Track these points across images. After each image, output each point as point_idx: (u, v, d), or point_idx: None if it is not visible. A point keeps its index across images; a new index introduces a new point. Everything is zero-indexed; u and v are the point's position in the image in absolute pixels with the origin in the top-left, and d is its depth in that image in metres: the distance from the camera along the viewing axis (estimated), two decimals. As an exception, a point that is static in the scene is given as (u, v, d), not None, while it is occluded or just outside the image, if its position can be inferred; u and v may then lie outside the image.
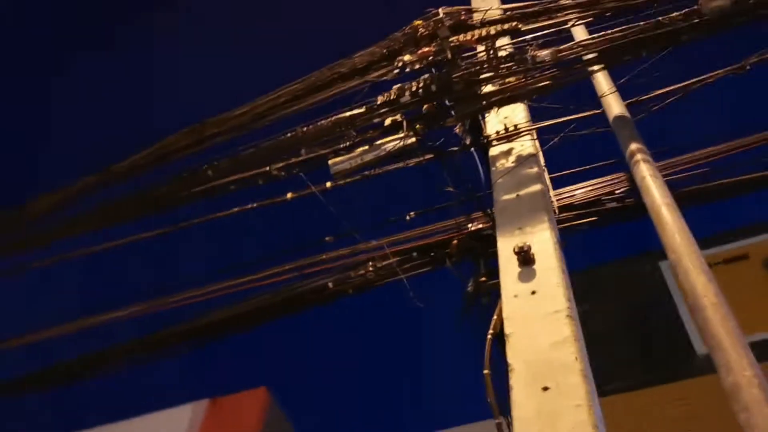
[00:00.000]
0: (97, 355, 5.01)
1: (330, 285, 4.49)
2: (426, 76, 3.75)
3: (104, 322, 4.84)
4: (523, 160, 3.83)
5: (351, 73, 3.95)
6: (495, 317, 3.00)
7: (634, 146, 3.40)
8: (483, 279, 3.52)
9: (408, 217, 4.55)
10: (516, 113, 4.24)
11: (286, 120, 3.92)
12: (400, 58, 3.88)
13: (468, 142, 4.02)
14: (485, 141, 4.03)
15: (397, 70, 3.86)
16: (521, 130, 4.03)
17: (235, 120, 3.99)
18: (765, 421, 2.10)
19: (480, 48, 3.86)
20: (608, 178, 4.30)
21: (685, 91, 3.59)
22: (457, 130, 4.01)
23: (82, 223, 3.99)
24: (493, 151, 4.04)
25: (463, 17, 3.90)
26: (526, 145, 3.93)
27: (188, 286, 4.37)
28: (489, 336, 2.93)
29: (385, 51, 3.95)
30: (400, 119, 3.90)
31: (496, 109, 3.95)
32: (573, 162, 4.46)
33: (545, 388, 2.60)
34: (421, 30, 3.90)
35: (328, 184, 4.11)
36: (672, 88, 3.68)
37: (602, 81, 3.99)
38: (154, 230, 3.97)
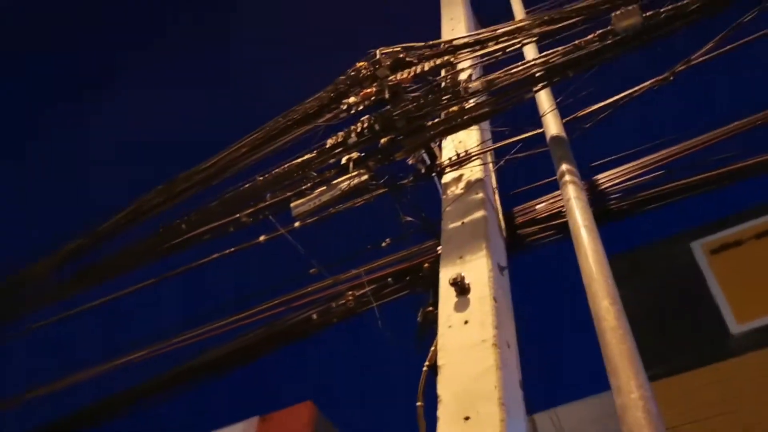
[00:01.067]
0: (120, 396, 5.33)
1: (314, 317, 4.67)
2: (366, 117, 3.88)
3: (121, 365, 5.15)
4: (471, 186, 3.92)
5: (304, 119, 4.12)
6: (432, 348, 3.12)
7: (564, 167, 3.46)
8: (430, 309, 3.62)
9: (384, 244, 4.68)
10: (470, 137, 4.33)
11: (250, 168, 4.12)
12: (346, 100, 4.03)
13: (423, 171, 4.13)
14: (438, 169, 4.13)
15: (344, 114, 4.01)
16: (471, 155, 4.12)
17: (203, 173, 4.23)
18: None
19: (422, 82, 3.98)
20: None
21: (614, 106, 3.62)
22: (411, 161, 4.13)
23: (77, 282, 4.30)
24: (446, 179, 4.15)
25: (402, 55, 4.03)
26: (474, 170, 4.02)
27: (181, 330, 4.62)
28: (425, 368, 3.05)
29: (332, 95, 4.10)
30: (355, 157, 4.06)
31: (446, 137, 4.05)
32: (535, 177, 4.51)
33: (467, 418, 2.71)
34: (363, 71, 4.05)
35: (297, 224, 4.29)
36: (603, 103, 3.72)
37: (544, 100, 4.05)
38: (137, 284, 4.24)
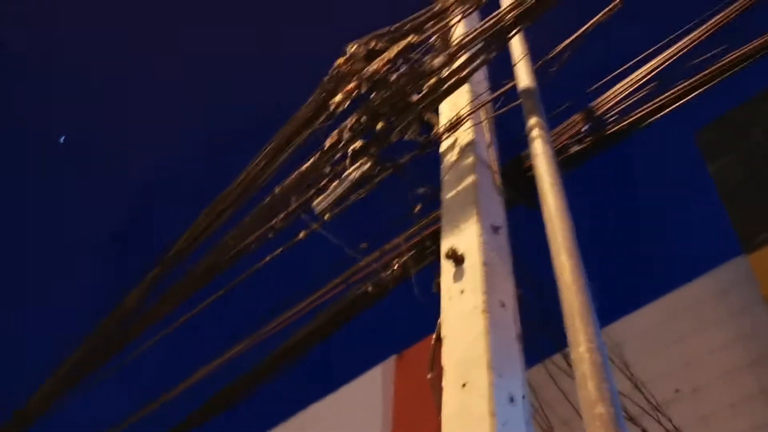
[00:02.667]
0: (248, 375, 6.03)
1: (369, 289, 5.07)
2: (355, 113, 4.12)
3: (232, 357, 5.86)
4: (463, 151, 4.07)
5: (304, 125, 4.43)
6: (439, 321, 3.41)
7: (532, 120, 3.54)
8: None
9: (416, 210, 4.93)
10: (463, 99, 4.43)
11: (272, 180, 4.53)
12: (333, 100, 4.28)
13: (422, 144, 4.32)
14: (435, 138, 4.30)
15: (335, 113, 4.28)
16: (461, 117, 4.24)
17: (236, 191, 4.69)
18: (588, 394, 2.36)
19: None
20: (567, 123, 4.38)
21: (580, 39, 3.61)
22: (408, 138, 4.32)
23: (163, 305, 4.98)
24: (443, 147, 4.31)
25: (372, 44, 4.19)
26: (466, 133, 4.15)
27: (269, 318, 5.20)
28: (433, 341, 3.35)
29: (323, 95, 4.37)
30: (358, 147, 4.33)
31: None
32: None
33: (464, 385, 3.00)
34: (342, 68, 4.26)
35: (327, 217, 4.65)
36: (571, 39, 3.71)
37: (516, 49, 4.07)
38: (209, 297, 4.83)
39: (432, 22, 3.95)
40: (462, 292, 3.34)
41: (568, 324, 2.59)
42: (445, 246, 3.60)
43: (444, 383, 3.08)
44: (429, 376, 3.29)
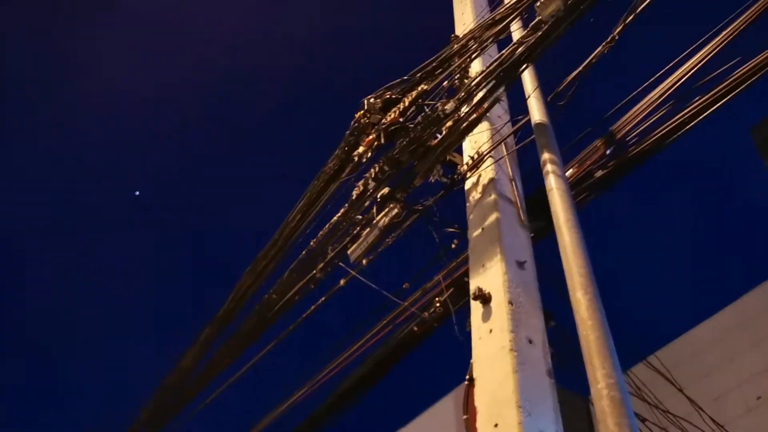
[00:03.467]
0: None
1: (415, 329, 5.15)
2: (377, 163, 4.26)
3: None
4: (485, 188, 4.13)
5: (332, 178, 4.59)
6: (471, 362, 3.45)
7: (545, 155, 3.57)
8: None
9: (453, 245, 5.01)
10: (483, 136, 4.50)
11: (307, 234, 4.70)
12: (357, 151, 4.43)
13: (447, 184, 4.40)
14: (457, 178, 4.38)
15: (359, 164, 4.43)
16: (483, 155, 4.30)
17: (274, 247, 4.88)
18: (607, 431, 2.37)
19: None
20: (590, 148, 4.38)
21: (584, 70, 3.64)
22: (433, 180, 4.41)
23: (219, 361, 5.20)
24: (467, 185, 4.38)
25: (388, 95, 4.34)
26: (487, 170, 4.22)
27: (321, 366, 5.34)
28: (466, 381, 3.39)
29: (345, 148, 4.53)
30: (386, 193, 4.45)
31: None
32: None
33: (496, 425, 3.03)
34: (363, 120, 4.42)
35: (365, 261, 4.77)
36: (579, 69, 3.75)
37: (528, 83, 4.13)
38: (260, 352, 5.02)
39: (440, 70, 4.02)
40: (490, 331, 3.37)
41: (587, 360, 2.60)
42: (472, 286, 3.64)
43: (478, 424, 3.11)
44: (464, 417, 3.32)
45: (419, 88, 4.10)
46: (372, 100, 4.35)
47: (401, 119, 4.23)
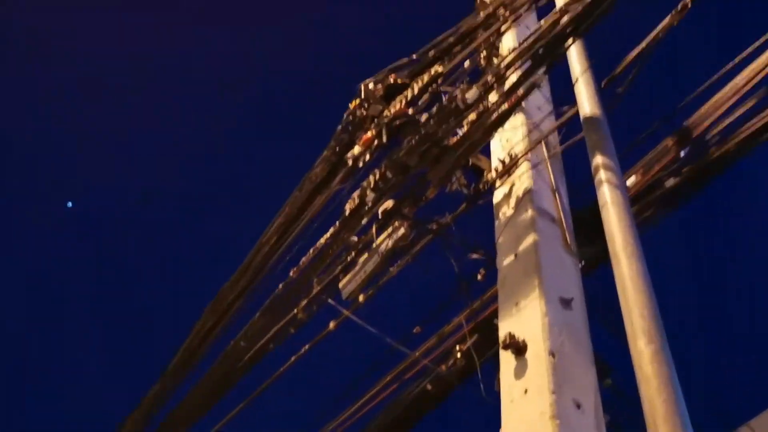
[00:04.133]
0: None
1: (429, 387, 5.15)
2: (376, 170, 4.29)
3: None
4: (520, 202, 4.15)
5: (318, 186, 4.62)
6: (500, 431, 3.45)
7: (598, 158, 3.56)
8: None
9: (480, 277, 5.01)
10: (516, 133, 4.54)
11: (288, 262, 4.74)
12: (351, 153, 4.46)
13: (469, 195, 4.43)
14: (483, 189, 4.41)
15: (354, 169, 4.46)
16: (517, 157, 4.34)
17: (243, 278, 4.91)
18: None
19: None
20: (658, 149, 4.41)
21: (647, 51, 3.68)
22: (450, 190, 4.44)
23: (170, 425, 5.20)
24: (497, 196, 4.41)
25: (391, 79, 4.37)
26: (522, 178, 4.24)
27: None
28: (493, 451, 3.39)
29: (336, 148, 4.56)
30: (390, 207, 4.48)
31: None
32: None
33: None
34: (359, 112, 4.45)
35: (361, 298, 4.78)
36: (638, 49, 3.78)
37: (575, 62, 4.16)
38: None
39: (460, 46, 4.06)
40: (525, 392, 3.36)
41: (650, 428, 2.60)
42: (502, 331, 3.64)
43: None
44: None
45: (433, 70, 4.15)
46: (371, 85, 4.39)
47: (409, 110, 4.24)
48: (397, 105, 4.23)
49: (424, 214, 4.44)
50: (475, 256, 4.47)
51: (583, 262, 4.01)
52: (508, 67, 3.97)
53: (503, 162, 4.38)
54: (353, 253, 4.59)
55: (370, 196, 4.34)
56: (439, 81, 4.24)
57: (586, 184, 4.29)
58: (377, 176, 4.30)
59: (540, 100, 4.68)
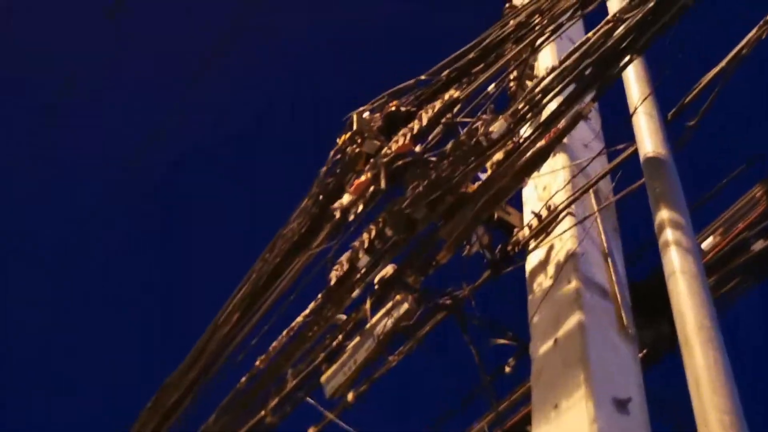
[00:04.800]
0: None
1: None
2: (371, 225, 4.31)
3: None
4: (560, 270, 4.16)
5: (295, 247, 4.64)
6: None
7: (665, 213, 3.57)
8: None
9: (509, 368, 5.00)
10: (556, 180, 4.56)
11: (256, 347, 4.73)
12: (339, 202, 4.48)
13: (491, 259, 4.44)
14: (513, 252, 4.42)
15: (342, 225, 4.48)
16: (557, 209, 4.34)
17: (193, 368, 4.90)
18: None
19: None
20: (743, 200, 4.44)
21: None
22: (469, 253, 4.45)
23: None
24: (530, 262, 4.42)
25: (394, 107, 4.42)
26: (565, 238, 4.25)
27: None
28: None
29: (319, 196, 4.58)
30: (388, 276, 4.49)
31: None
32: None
33: None
34: (350, 149, 4.49)
35: (350, 397, 4.75)
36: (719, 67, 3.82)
37: (632, 86, 4.21)
38: None
39: (483, 65, 4.12)
40: None
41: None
42: (540, 440, 3.64)
43: None
44: None
45: (447, 96, 4.17)
46: (366, 114, 4.42)
47: (416, 148, 4.31)
48: (399, 140, 4.25)
49: (434, 285, 4.48)
50: (501, 341, 4.46)
51: (644, 351, 3.99)
52: (545, 92, 3.98)
53: (539, 216, 4.39)
54: (340, 336, 4.60)
55: (364, 260, 4.35)
56: (455, 109, 4.23)
57: (647, 246, 4.38)
58: (373, 234, 4.32)
59: (587, 135, 4.72)
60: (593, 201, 4.42)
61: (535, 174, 4.48)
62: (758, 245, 4.18)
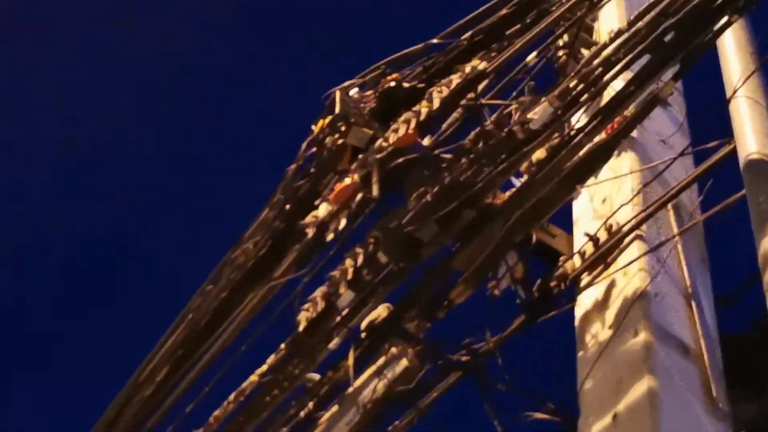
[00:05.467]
0: None
1: None
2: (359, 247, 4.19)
3: None
4: (621, 315, 4.05)
5: (250, 277, 4.52)
6: None
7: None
8: None
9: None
10: (620, 187, 4.47)
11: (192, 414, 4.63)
12: (313, 214, 4.36)
13: (527, 300, 4.34)
14: (558, 289, 4.31)
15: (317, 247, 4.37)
16: (621, 231, 4.24)
17: None
18: None
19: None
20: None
21: None
22: (496, 292, 4.35)
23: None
24: (581, 304, 4.33)
25: (393, 82, 4.32)
26: (631, 271, 4.14)
27: None
28: None
29: (286, 206, 4.48)
30: (380, 319, 4.39)
31: (589, 190, 4.24)
32: None
33: None
34: (329, 141, 4.37)
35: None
36: None
37: (729, 60, 4.13)
38: None
39: (519, 26, 4.03)
40: None
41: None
42: None
43: None
44: None
45: (468, 67, 4.05)
46: (355, 91, 4.33)
47: (423, 140, 4.24)
48: (400, 129, 4.12)
49: (445, 335, 4.44)
50: (538, 415, 4.36)
51: (740, 433, 3.90)
52: (607, 65, 3.85)
53: (595, 240, 4.29)
54: (310, 404, 4.53)
55: (346, 296, 4.25)
56: (480, 87, 4.11)
57: (747, 284, 4.28)
58: (360, 260, 4.22)
59: (666, 127, 4.62)
60: (672, 220, 4.34)
61: (592, 180, 4.38)
62: None
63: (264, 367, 4.56)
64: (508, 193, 4.18)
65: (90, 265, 13.81)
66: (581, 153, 4.03)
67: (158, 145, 13.53)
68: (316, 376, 4.55)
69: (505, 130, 3.99)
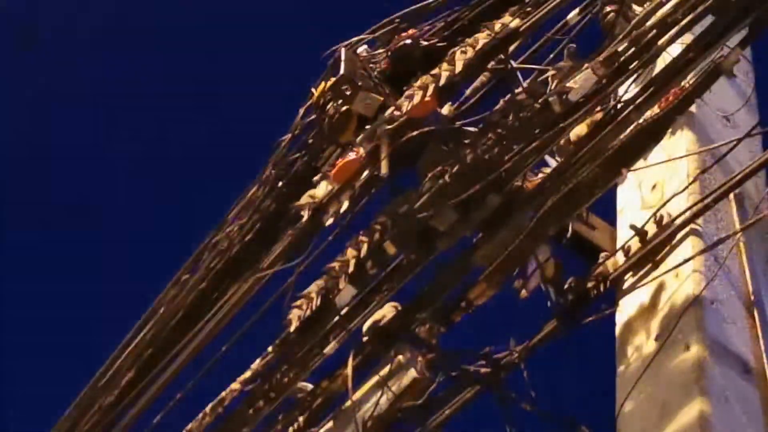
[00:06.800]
0: None
1: None
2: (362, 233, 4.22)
3: None
4: (677, 324, 4.07)
5: (233, 268, 4.55)
6: None
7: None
8: None
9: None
10: (674, 173, 4.48)
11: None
12: (309, 194, 4.39)
13: (559, 305, 4.37)
14: (600, 288, 4.33)
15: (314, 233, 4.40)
16: (673, 223, 4.26)
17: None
18: None
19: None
20: None
21: None
22: (526, 293, 4.38)
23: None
24: (623, 310, 4.35)
25: (408, 39, 4.35)
26: (684, 272, 4.16)
27: None
28: None
29: (277, 184, 4.51)
30: (389, 319, 4.42)
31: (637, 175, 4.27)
32: None
33: None
34: (330, 108, 4.39)
35: None
36: None
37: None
38: None
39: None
40: None
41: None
42: None
43: None
44: None
45: (497, 24, 4.08)
46: (363, 49, 4.36)
47: (442, 109, 4.32)
48: (416, 96, 4.14)
49: (461, 342, 4.49)
50: None
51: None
52: (662, 26, 3.86)
53: (643, 234, 4.30)
54: (301, 419, 4.55)
55: (346, 293, 4.27)
56: (511, 49, 4.13)
57: None
58: (364, 251, 4.24)
59: (730, 102, 4.63)
60: (735, 213, 4.35)
61: (641, 163, 4.39)
62: None
63: (247, 374, 4.59)
64: (540, 176, 4.20)
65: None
66: (629, 131, 4.05)
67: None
68: (309, 386, 4.57)
69: (540, 100, 4.00)
